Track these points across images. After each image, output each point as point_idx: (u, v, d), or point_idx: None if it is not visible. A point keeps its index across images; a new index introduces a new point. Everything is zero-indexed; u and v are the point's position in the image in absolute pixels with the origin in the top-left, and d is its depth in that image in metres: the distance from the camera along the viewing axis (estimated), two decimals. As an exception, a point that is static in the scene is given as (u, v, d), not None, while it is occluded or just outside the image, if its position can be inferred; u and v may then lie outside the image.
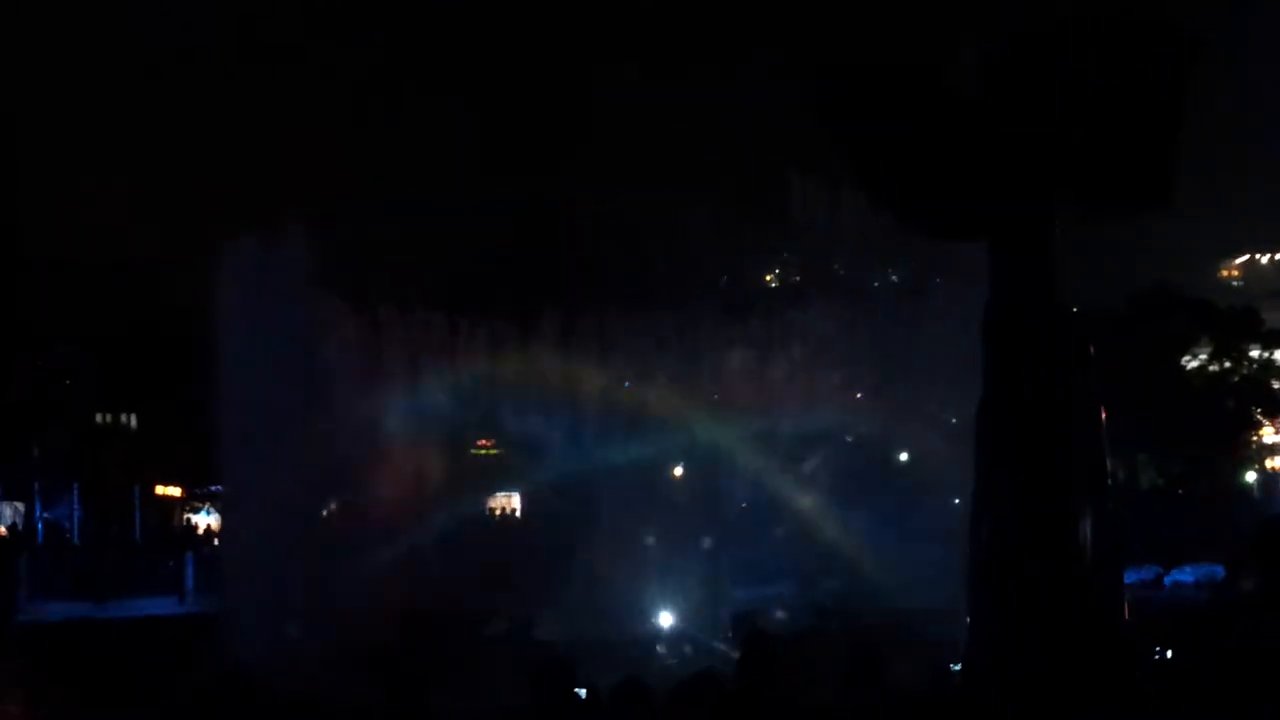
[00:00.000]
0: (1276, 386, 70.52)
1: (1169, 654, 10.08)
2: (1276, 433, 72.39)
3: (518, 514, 58.61)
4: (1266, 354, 71.08)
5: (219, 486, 52.74)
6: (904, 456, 57.06)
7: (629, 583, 35.37)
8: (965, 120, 9.05)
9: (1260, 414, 70.50)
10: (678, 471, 55.73)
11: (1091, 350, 9.08)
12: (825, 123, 9.20)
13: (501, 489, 57.97)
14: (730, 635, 31.94)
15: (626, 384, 51.91)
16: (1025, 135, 8.87)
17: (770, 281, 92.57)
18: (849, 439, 57.86)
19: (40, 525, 53.27)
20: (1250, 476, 70.20)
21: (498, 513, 58.11)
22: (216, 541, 48.93)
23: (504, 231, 55.41)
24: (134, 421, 59.87)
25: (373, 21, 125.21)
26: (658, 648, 31.39)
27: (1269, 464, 72.92)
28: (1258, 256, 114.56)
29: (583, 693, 11.45)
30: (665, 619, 33.72)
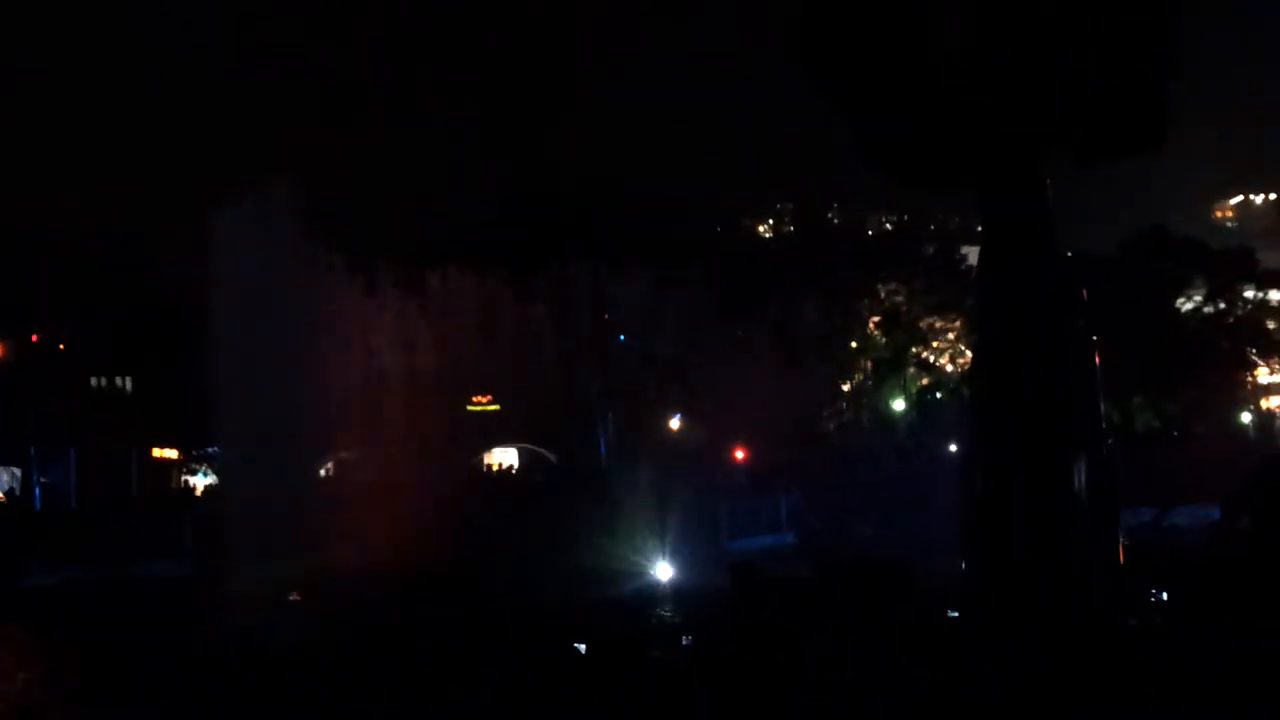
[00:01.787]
0: (1272, 327, 70.49)
1: (1165, 596, 10.09)
2: (1271, 373, 72.41)
3: (514, 469, 58.68)
4: (1261, 294, 71.03)
5: (215, 448, 52.77)
6: (899, 405, 57.09)
7: (627, 537, 35.41)
8: (951, 65, 8.95)
9: (1255, 354, 70.51)
10: (674, 424, 55.78)
11: (1084, 294, 9.02)
12: (814, 69, 9.09)
13: (499, 444, 57.99)
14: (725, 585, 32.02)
15: (622, 337, 51.84)
16: (1014, 78, 8.77)
17: (764, 232, 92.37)
18: (846, 387, 57.84)
19: (38, 491, 53.24)
20: (1245, 417, 70.26)
21: (495, 469, 58.16)
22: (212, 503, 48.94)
23: (501, 185, 55.32)
24: (129, 386, 59.80)
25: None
26: (657, 600, 31.45)
27: (1264, 404, 72.97)
28: (1252, 197, 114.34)
29: (581, 647, 11.49)
30: (664, 571, 33.79)
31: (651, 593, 32.10)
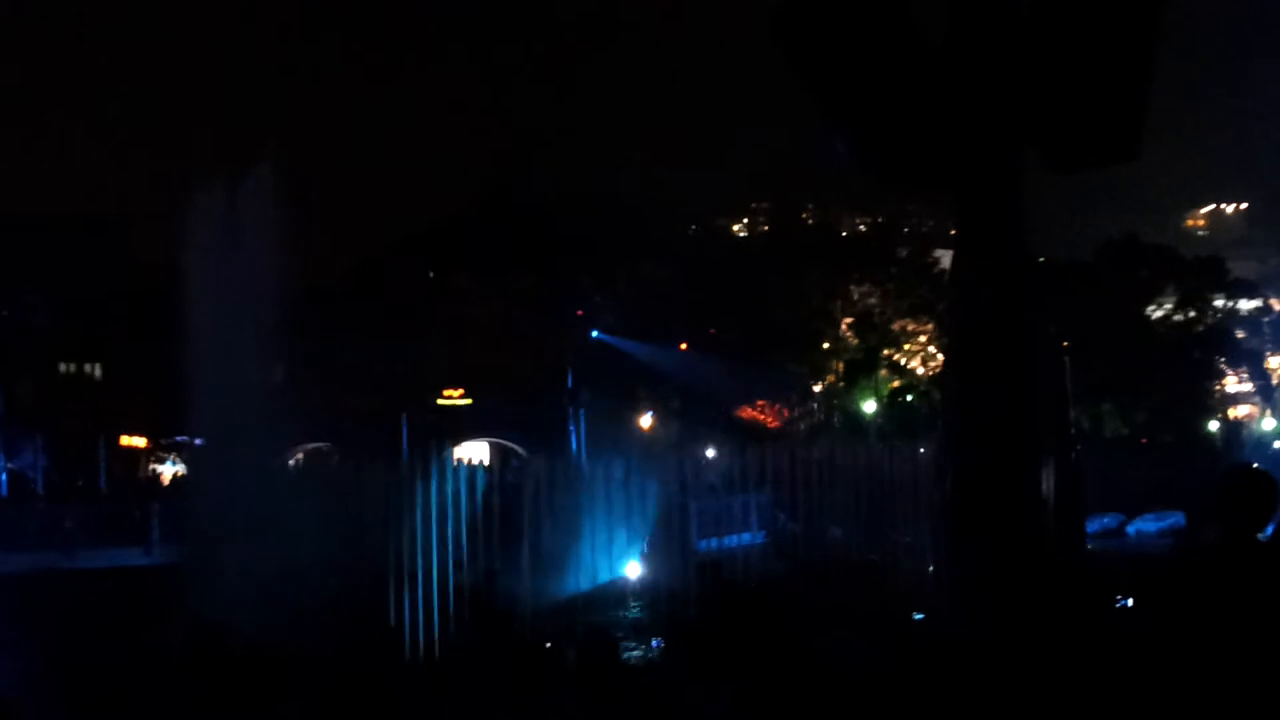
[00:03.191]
0: (1240, 336, 70.99)
1: (1130, 602, 10.13)
2: (1239, 382, 72.93)
3: (484, 464, 58.57)
4: (1231, 303, 71.56)
5: (184, 436, 52.59)
6: (870, 407, 57.22)
7: (594, 535, 35.38)
8: (930, 64, 8.97)
9: (1224, 363, 71.02)
10: (645, 422, 55.82)
11: (1055, 300, 9.07)
12: (789, 57, 9.09)
13: (469, 438, 57.95)
14: (695, 585, 32.03)
15: (594, 333, 51.85)
16: (991, 81, 8.79)
17: (739, 231, 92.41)
18: (817, 388, 57.97)
19: (4, 476, 52.95)
20: (1213, 426, 70.75)
21: (465, 463, 58.01)
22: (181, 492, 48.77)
23: (480, 182, 55.23)
24: (98, 372, 59.56)
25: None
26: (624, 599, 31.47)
27: (1232, 413, 73.50)
28: (1223, 206, 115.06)
29: (547, 645, 11.46)
30: (632, 570, 33.81)
31: (619, 591, 32.11)
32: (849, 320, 64.75)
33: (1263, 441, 70.29)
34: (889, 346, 65.01)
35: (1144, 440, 64.76)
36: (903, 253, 69.18)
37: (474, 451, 59.61)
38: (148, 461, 59.61)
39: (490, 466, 58.78)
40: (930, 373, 60.96)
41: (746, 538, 40.42)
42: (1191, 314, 69.85)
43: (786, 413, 60.32)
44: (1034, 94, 8.84)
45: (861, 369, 63.83)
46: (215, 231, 43.62)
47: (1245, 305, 72.22)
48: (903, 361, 65.79)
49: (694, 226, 78.96)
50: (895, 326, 64.83)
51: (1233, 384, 72.83)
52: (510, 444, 56.06)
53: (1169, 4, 8.77)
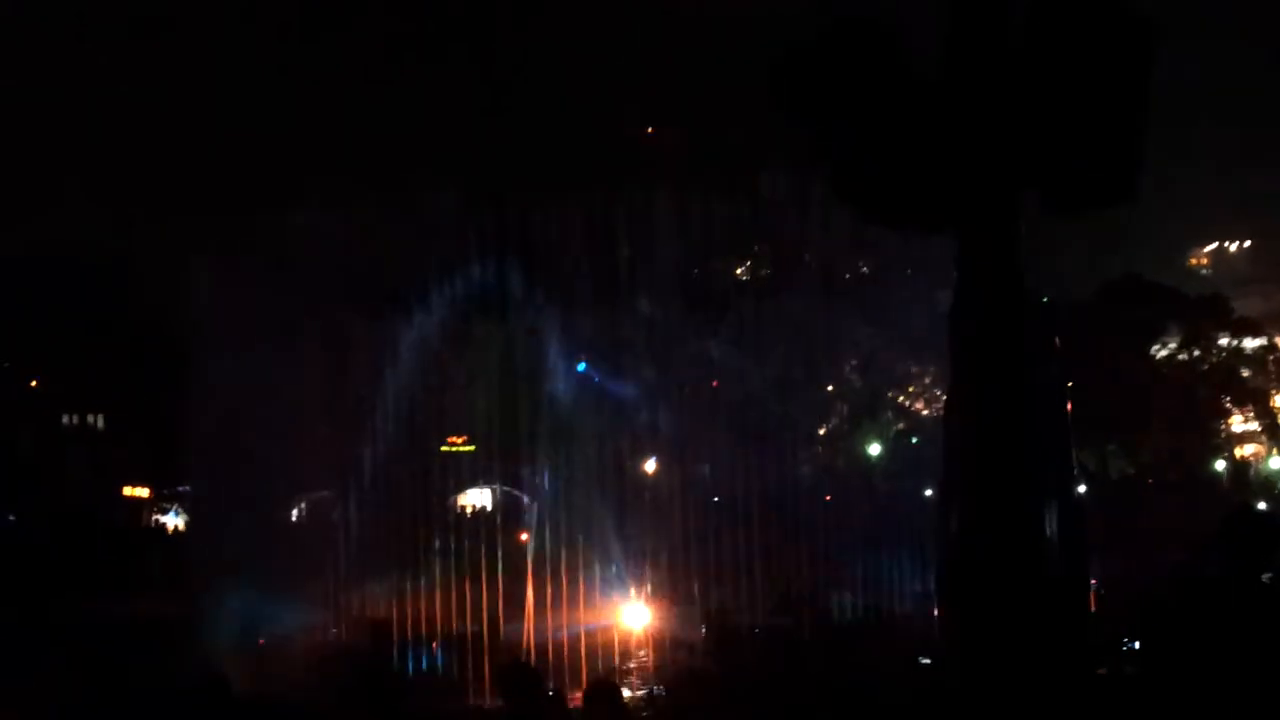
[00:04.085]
0: (1246, 375, 70.93)
1: (1136, 645, 10.06)
2: (1245, 421, 72.80)
3: (489, 511, 58.44)
4: (1235, 342, 71.50)
5: (186, 487, 52.54)
6: (874, 450, 57.16)
7: (602, 581, 35.32)
8: (926, 106, 8.97)
9: (1229, 402, 70.90)
10: (650, 467, 55.69)
11: (1058, 342, 9.03)
12: (786, 106, 9.10)
13: (473, 486, 57.82)
14: (703, 632, 31.94)
15: (581, 366, 51.63)
16: (988, 122, 8.79)
17: (741, 275, 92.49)
18: (820, 431, 57.91)
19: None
20: (1220, 465, 70.59)
21: (468, 511, 57.96)
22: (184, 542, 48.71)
23: (472, 218, 55.04)
24: (101, 423, 59.57)
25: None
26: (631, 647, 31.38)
27: (1238, 452, 73.33)
28: (1226, 245, 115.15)
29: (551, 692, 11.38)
30: (639, 618, 33.73)
31: (621, 638, 32.03)
32: (853, 362, 64.80)
33: (1269, 480, 70.13)
34: (893, 388, 65.01)
35: (1150, 481, 64.58)
36: (905, 294, 69.20)
37: (478, 499, 59.50)
38: (151, 512, 59.53)
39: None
40: (935, 414, 60.88)
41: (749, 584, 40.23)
42: (1196, 353, 69.82)
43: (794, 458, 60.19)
44: (1031, 135, 8.84)
45: (866, 411, 63.84)
46: (220, 281, 43.83)
47: (1250, 344, 72.09)
48: (907, 403, 65.75)
49: (696, 270, 78.99)
50: (898, 368, 64.86)
51: (1239, 423, 72.68)
52: (515, 490, 55.94)
53: (1160, 47, 8.77)
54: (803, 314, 52.41)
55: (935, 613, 9.09)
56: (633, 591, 35.99)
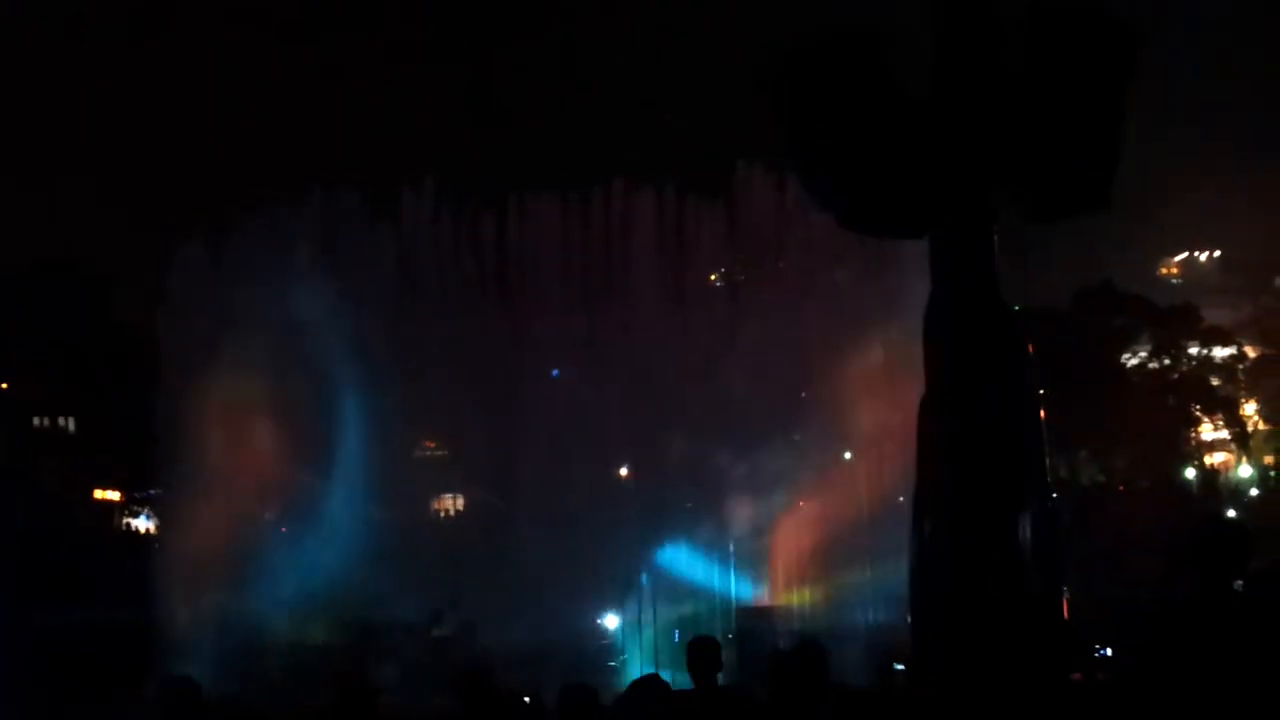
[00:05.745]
0: (1215, 383, 71.29)
1: (1108, 651, 10.12)
2: (1215, 429, 73.19)
3: (462, 514, 58.28)
4: (1205, 351, 71.86)
5: (157, 490, 52.23)
6: (848, 455, 57.12)
7: (573, 586, 35.30)
8: (907, 117, 9.02)
9: (1199, 411, 71.24)
10: (623, 472, 55.58)
11: (1031, 349, 9.07)
12: (768, 108, 9.15)
13: (448, 491, 57.64)
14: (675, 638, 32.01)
15: (555, 373, 51.44)
16: (966, 133, 8.85)
17: (715, 280, 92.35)
18: (795, 438, 57.88)
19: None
20: (1189, 473, 70.94)
21: (444, 514, 57.82)
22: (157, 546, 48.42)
23: (455, 221, 54.70)
24: (73, 425, 59.15)
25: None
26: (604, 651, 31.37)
27: (1207, 460, 73.72)
28: (1196, 254, 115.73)
29: (526, 699, 11.36)
30: (611, 622, 33.72)
31: (601, 640, 32.03)
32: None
33: (1239, 489, 70.54)
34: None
35: (1121, 488, 64.88)
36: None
37: (451, 504, 59.30)
38: (122, 515, 59.18)
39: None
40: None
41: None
42: (1166, 361, 70.19)
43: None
44: (1008, 146, 8.90)
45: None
46: (193, 282, 43.63)
47: (1220, 353, 72.51)
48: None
49: (670, 275, 78.86)
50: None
51: (1209, 431, 73.09)
52: (489, 496, 55.74)
53: (1139, 57, 8.84)
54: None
55: (908, 618, 9.13)
56: (605, 597, 36.05)
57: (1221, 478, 72.64)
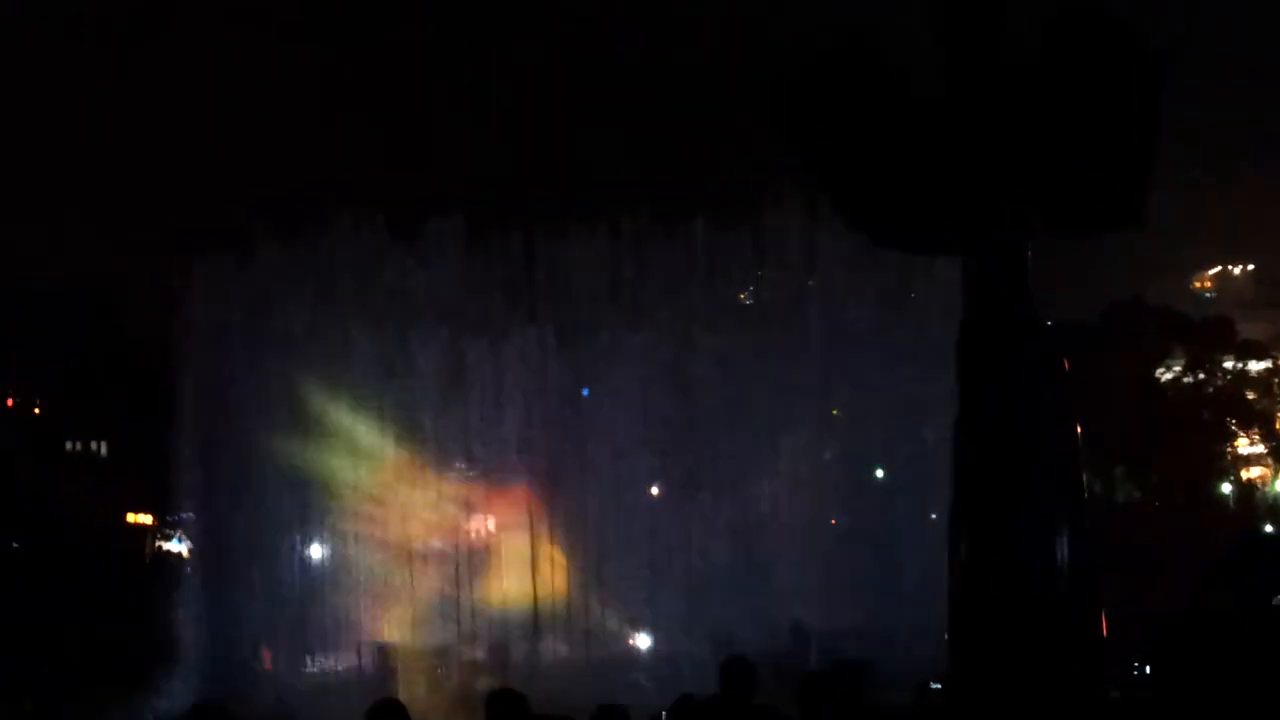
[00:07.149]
0: (1251, 398, 70.74)
1: (1147, 669, 10.01)
2: (1251, 444, 72.56)
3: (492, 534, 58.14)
4: (1240, 365, 71.33)
5: (189, 514, 52.31)
6: (880, 473, 56.92)
7: (605, 606, 35.25)
8: (934, 131, 8.98)
9: (1235, 425, 70.68)
10: (654, 490, 55.47)
11: (1065, 364, 9.00)
12: (793, 132, 9.12)
13: (479, 512, 57.58)
14: (708, 655, 31.84)
15: (585, 391, 51.34)
16: (994, 148, 8.80)
17: (744, 299, 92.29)
18: (827, 455, 57.72)
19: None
20: (1226, 488, 70.35)
21: (474, 535, 57.68)
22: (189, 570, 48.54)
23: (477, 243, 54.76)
24: (105, 450, 59.39)
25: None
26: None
27: (1244, 475, 73.07)
28: (1230, 268, 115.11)
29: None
30: (643, 641, 33.65)
31: (628, 659, 31.96)
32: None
33: (1276, 504, 69.89)
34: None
35: (1157, 504, 64.40)
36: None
37: (482, 525, 59.22)
38: (154, 539, 59.36)
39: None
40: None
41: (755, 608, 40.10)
42: (1201, 376, 69.69)
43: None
44: (1037, 160, 8.85)
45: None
46: (222, 303, 43.77)
47: (1255, 366, 71.97)
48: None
49: (699, 294, 78.84)
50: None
51: (1245, 445, 72.47)
52: (518, 520, 55.72)
53: (1170, 74, 8.78)
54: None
55: (946, 637, 9.06)
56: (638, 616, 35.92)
57: (1258, 492, 71.98)
